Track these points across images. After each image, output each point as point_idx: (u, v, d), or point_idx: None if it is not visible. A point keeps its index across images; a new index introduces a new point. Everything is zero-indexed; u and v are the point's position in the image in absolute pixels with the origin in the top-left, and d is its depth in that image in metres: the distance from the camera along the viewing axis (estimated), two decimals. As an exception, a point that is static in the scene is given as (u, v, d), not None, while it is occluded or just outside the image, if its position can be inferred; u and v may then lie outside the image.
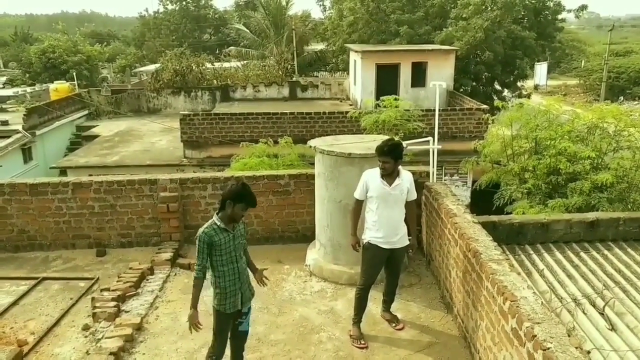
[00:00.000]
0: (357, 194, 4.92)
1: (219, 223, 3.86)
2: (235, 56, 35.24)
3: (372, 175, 4.81)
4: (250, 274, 4.21)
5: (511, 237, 5.74)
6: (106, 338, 4.68)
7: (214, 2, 50.59)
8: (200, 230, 3.85)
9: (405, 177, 4.84)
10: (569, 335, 3.11)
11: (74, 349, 4.74)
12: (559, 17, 25.97)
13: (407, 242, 4.93)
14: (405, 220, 4.92)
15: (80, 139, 21.25)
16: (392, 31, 24.76)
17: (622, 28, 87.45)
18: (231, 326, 4.12)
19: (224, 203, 3.84)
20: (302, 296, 5.68)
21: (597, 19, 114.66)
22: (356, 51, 20.52)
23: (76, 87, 27.61)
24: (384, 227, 4.74)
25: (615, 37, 45.80)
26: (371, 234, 4.80)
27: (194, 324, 3.92)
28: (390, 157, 4.64)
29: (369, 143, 5.95)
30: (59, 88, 25.35)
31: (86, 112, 24.15)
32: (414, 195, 4.93)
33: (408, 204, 4.89)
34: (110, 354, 4.41)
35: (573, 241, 5.75)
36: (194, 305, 3.94)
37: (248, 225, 6.89)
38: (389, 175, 4.73)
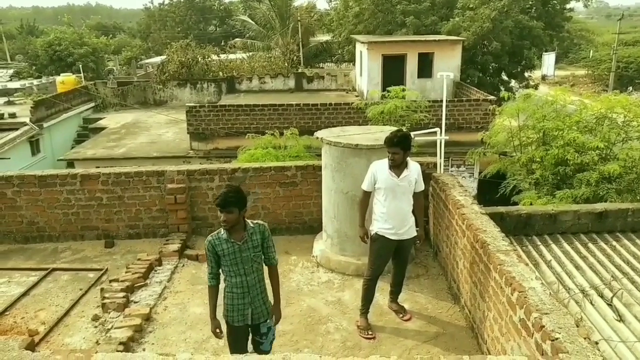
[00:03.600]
0: (365, 186, 4.91)
1: (222, 232, 3.63)
2: (241, 48, 35.21)
3: (380, 167, 4.80)
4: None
5: (519, 228, 5.73)
6: (115, 328, 4.73)
7: (219, -7, 50.40)
8: (207, 237, 3.70)
9: (413, 168, 4.82)
10: (577, 326, 3.10)
11: (84, 339, 4.79)
12: (567, 6, 25.71)
13: (415, 234, 4.93)
14: (413, 212, 4.92)
15: (87, 131, 21.36)
16: (398, 22, 24.60)
17: (632, 17, 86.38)
18: (246, 341, 3.88)
19: None
20: (309, 287, 5.71)
21: (605, 8, 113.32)
22: (362, 42, 20.43)
23: (82, 79, 27.71)
24: (392, 219, 4.74)
25: (624, 26, 45.23)
26: (379, 225, 4.80)
27: (214, 332, 3.81)
28: (399, 148, 4.62)
29: (376, 134, 5.93)
30: (65, 80, 25.45)
31: (93, 104, 24.25)
32: (421, 187, 4.92)
33: (416, 195, 4.88)
34: (120, 343, 4.45)
35: (581, 232, 5.73)
36: (212, 315, 3.78)
37: (255, 217, 6.95)
38: (397, 167, 4.71)
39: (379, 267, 4.89)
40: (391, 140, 4.63)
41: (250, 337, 3.90)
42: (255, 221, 3.74)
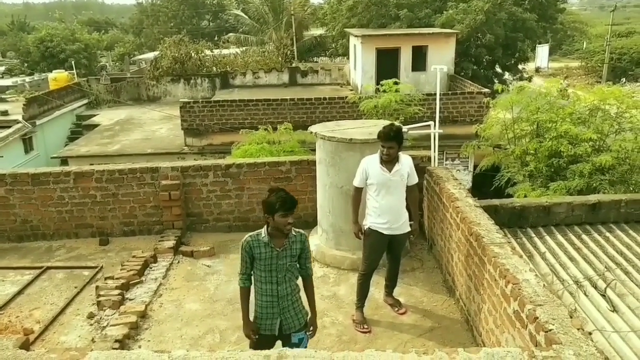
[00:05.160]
0: (357, 182, 4.86)
1: (263, 235, 3.48)
2: (235, 43, 35.08)
3: (371, 162, 4.76)
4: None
5: (513, 221, 5.75)
6: (111, 326, 4.72)
7: (211, -13, 50.06)
8: (245, 237, 3.55)
9: (405, 161, 4.79)
10: (570, 317, 3.12)
11: (80, 337, 4.78)
12: (561, -2, 25.71)
13: (409, 229, 4.92)
14: (407, 206, 4.91)
15: (80, 128, 21.27)
16: (391, 15, 24.52)
17: (625, 9, 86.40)
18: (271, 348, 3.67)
19: (266, 219, 3.48)
20: (305, 282, 5.70)
21: (599, 0, 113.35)
22: (356, 36, 20.37)
23: (75, 76, 27.52)
24: (386, 213, 4.73)
25: (617, 17, 45.27)
26: (372, 220, 4.79)
27: (247, 335, 3.68)
28: (395, 142, 4.59)
29: (370, 128, 5.93)
30: (57, 77, 25.28)
31: (86, 101, 24.12)
32: (415, 179, 4.90)
33: (409, 189, 4.87)
34: (116, 341, 4.44)
35: (575, 224, 5.76)
36: (245, 317, 3.65)
37: (250, 212, 6.94)
38: (389, 161, 4.68)
39: (373, 261, 4.89)
40: (387, 134, 4.58)
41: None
42: (296, 229, 3.60)
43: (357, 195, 4.92)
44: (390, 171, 4.68)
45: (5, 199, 6.75)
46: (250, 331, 3.65)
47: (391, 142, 4.59)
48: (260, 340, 3.63)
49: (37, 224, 6.87)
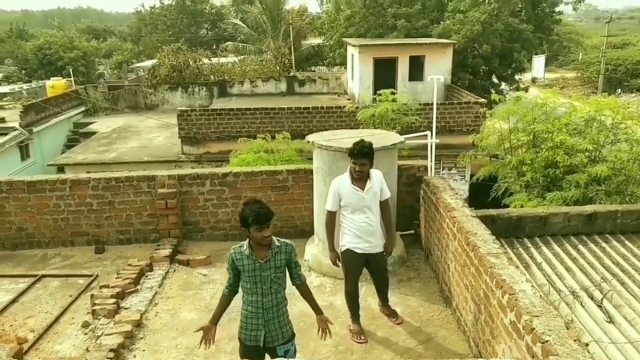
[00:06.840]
0: (329, 206, 4.71)
1: (245, 247, 3.47)
2: (233, 51, 35.19)
3: (341, 183, 4.66)
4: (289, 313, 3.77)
5: (510, 231, 5.76)
6: (106, 335, 4.69)
7: (210, -4, 50.30)
8: (230, 249, 3.55)
9: (375, 177, 4.68)
10: (567, 328, 3.12)
11: (74, 346, 4.75)
12: (557, 9, 25.93)
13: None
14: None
15: (77, 136, 21.24)
16: (389, 25, 24.69)
17: (620, 20, 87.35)
18: None
19: (245, 232, 3.42)
20: (301, 291, 5.68)
21: (594, 11, 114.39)
22: (353, 45, 20.48)
23: (73, 83, 27.55)
24: (361, 233, 4.66)
25: (613, 29, 45.64)
26: (347, 239, 4.71)
27: (206, 338, 3.63)
28: (368, 159, 4.51)
29: (367, 138, 5.92)
30: (55, 85, 25.30)
31: (83, 108, 24.13)
32: (387, 194, 4.81)
33: (382, 204, 4.77)
34: (110, 350, 4.41)
35: (571, 234, 5.77)
36: (212, 320, 3.68)
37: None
38: (360, 180, 4.59)
39: (354, 280, 4.83)
40: (360, 151, 4.47)
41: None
42: (282, 240, 3.57)
43: (332, 220, 4.77)
44: (363, 189, 4.59)
45: (1, 206, 6.72)
46: (208, 335, 3.63)
47: (363, 159, 4.49)
48: (246, 351, 3.63)
49: (32, 231, 6.84)
